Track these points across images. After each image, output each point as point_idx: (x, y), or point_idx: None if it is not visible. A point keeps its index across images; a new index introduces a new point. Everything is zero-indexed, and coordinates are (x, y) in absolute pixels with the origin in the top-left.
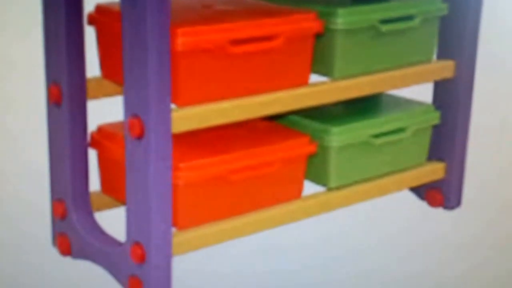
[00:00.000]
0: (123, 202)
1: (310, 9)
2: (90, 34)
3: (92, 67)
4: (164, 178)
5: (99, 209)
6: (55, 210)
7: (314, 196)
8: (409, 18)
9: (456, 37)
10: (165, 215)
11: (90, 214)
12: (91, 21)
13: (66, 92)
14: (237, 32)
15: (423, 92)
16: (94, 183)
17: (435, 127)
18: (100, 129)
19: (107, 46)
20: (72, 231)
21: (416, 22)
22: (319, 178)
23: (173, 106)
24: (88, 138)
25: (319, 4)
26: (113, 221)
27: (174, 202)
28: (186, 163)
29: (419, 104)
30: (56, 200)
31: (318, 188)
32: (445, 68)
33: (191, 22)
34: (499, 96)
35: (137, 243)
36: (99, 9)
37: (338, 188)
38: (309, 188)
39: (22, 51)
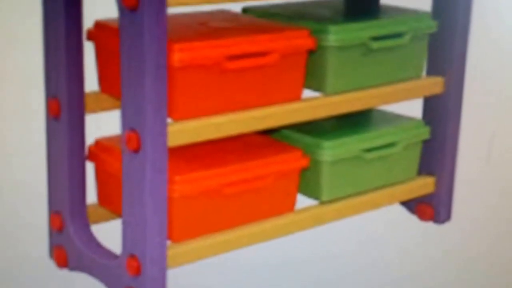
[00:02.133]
0: (119, 215)
1: (303, 26)
2: (88, 49)
3: (91, 81)
4: (160, 191)
5: (96, 221)
6: (53, 223)
7: (307, 209)
8: (399, 35)
9: (445, 54)
10: (160, 227)
11: (86, 227)
12: (90, 37)
13: (65, 106)
14: (232, 48)
15: (413, 108)
16: (91, 196)
17: (425, 142)
18: (98, 143)
19: (106, 61)
20: (69, 244)
21: (405, 39)
22: (311, 191)
23: (169, 120)
24: (86, 151)
25: (312, 21)
26: (110, 233)
27: (169, 215)
28: (182, 176)
29: (409, 119)
30: (54, 212)
31: (311, 202)
32: (435, 84)
33: (188, 38)
34: (487, 111)
35: (132, 256)
36: (98, 25)
37: (330, 201)
38: (302, 201)
39: (23, 66)
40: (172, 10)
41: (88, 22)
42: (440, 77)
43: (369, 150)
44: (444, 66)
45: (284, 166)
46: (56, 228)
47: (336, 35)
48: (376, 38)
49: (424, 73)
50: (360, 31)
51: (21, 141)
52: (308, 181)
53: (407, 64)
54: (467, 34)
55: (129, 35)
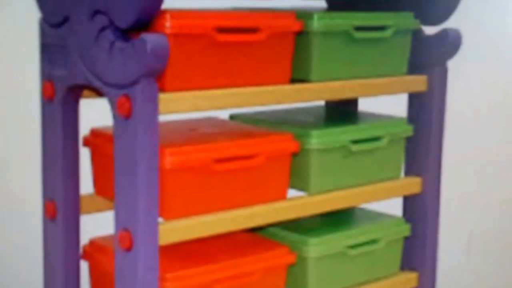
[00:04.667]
0: None
1: (286, 131)
2: (84, 153)
3: (86, 184)
4: None
5: None
6: None
7: None
8: (377, 139)
9: (422, 155)
10: None
11: None
12: (86, 143)
13: (61, 208)
14: (220, 152)
15: (393, 206)
16: None
17: (406, 238)
18: (92, 242)
19: (100, 165)
20: None
21: (383, 142)
22: (298, 286)
23: (160, 219)
24: (80, 250)
25: (295, 126)
26: None
27: None
28: (172, 274)
29: (390, 217)
30: None
31: None
32: (413, 184)
33: (178, 143)
34: (465, 209)
35: None
36: (93, 132)
37: None
38: None
39: (21, 173)
40: (163, 118)
41: (84, 129)
42: (418, 177)
43: (352, 246)
44: (421, 166)
45: (272, 263)
46: None
47: (318, 139)
48: (355, 142)
49: (402, 173)
50: (340, 135)
51: (17, 241)
52: (295, 276)
53: (386, 165)
54: (441, 136)
55: (123, 141)
